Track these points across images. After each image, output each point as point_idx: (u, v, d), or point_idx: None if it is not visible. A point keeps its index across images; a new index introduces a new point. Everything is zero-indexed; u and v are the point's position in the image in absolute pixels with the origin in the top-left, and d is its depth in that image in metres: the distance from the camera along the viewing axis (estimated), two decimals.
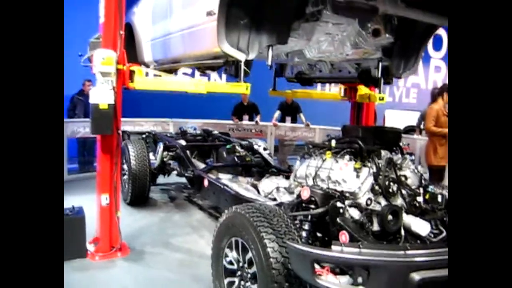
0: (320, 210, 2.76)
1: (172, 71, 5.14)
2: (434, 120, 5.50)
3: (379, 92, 5.32)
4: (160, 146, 6.02)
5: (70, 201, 4.23)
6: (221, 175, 4.96)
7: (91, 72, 3.88)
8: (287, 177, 4.20)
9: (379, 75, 4.35)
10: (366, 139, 3.21)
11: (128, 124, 7.90)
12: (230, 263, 2.94)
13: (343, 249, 2.38)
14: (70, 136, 7.67)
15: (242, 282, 2.83)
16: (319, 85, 9.73)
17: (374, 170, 3.04)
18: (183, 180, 6.18)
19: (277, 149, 9.28)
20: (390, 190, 3.03)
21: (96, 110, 3.71)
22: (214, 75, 9.60)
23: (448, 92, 5.38)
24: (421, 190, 3.15)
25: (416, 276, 2.22)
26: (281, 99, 8.62)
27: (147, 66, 4.98)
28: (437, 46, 14.78)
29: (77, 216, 4.03)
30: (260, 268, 2.57)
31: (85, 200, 4.48)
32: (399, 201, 3.05)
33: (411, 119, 10.55)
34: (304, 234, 2.70)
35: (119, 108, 3.90)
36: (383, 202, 2.96)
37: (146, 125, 8.60)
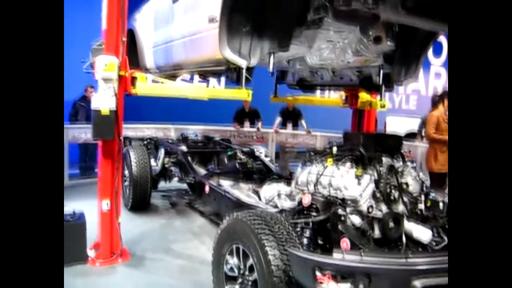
0: (321, 216, 2.76)
1: (174, 77, 5.16)
2: (434, 127, 5.50)
3: (381, 99, 5.33)
4: (161, 152, 6.03)
5: (71, 206, 4.22)
6: (222, 181, 4.96)
7: (94, 78, 3.89)
8: (288, 183, 4.20)
9: (381, 82, 4.36)
10: (368, 146, 3.21)
11: (130, 130, 7.91)
12: (231, 269, 2.93)
13: (344, 256, 2.38)
14: (71, 141, 7.69)
15: None
16: (318, 91, 9.73)
17: (376, 176, 3.03)
18: (184, 186, 6.18)
19: (278, 155, 9.27)
20: (392, 197, 3.02)
21: (98, 115, 3.72)
22: (212, 80, 9.60)
23: (448, 98, 5.39)
24: (423, 197, 3.14)
25: (417, 283, 2.21)
26: (282, 105, 8.63)
27: (149, 72, 4.99)
28: (437, 53, 14.80)
29: (78, 222, 4.03)
30: (261, 275, 2.56)
31: (86, 206, 4.48)
32: (400, 208, 3.04)
33: (412, 125, 10.55)
34: (305, 240, 2.70)
35: (120, 114, 3.91)
36: (385, 209, 2.96)
37: (148, 130, 8.61)
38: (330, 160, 3.20)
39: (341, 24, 3.37)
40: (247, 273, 2.76)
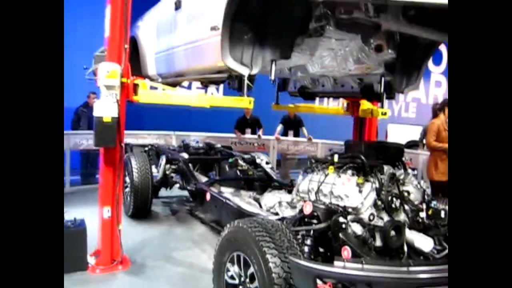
0: (322, 225, 2.75)
1: (176, 84, 5.18)
2: (435, 135, 5.50)
3: (382, 107, 5.34)
4: (163, 159, 6.04)
5: (72, 213, 4.22)
6: (223, 189, 4.96)
7: (96, 85, 3.90)
8: (289, 191, 4.20)
9: (382, 91, 4.37)
10: (369, 154, 3.21)
11: (131, 137, 7.92)
12: (232, 277, 2.92)
13: (345, 265, 2.36)
14: (73, 148, 7.69)
15: None
16: (317, 99, 9.76)
17: (377, 185, 3.03)
18: (185, 193, 6.17)
19: (280, 163, 9.28)
20: (393, 205, 3.01)
21: (100, 123, 3.73)
22: (210, 88, 9.65)
23: (448, 107, 5.39)
24: (424, 206, 3.14)
25: None
26: (283, 113, 8.64)
27: (151, 79, 5.01)
28: (437, 61, 14.82)
29: (79, 229, 4.02)
30: (262, 283, 2.55)
31: (87, 212, 4.48)
32: (402, 217, 3.04)
33: (414, 133, 10.55)
34: (306, 249, 2.69)
35: (122, 121, 3.92)
36: (386, 218, 2.95)
37: (149, 138, 8.62)
38: (331, 168, 3.20)
39: (342, 32, 3.39)
40: (248, 281, 2.75)
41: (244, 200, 4.36)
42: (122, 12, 3.78)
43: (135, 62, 5.06)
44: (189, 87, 9.50)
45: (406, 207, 3.09)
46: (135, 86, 3.93)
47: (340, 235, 2.65)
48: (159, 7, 5.17)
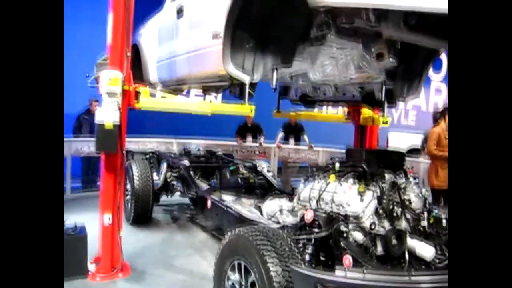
0: (323, 233, 2.74)
1: (178, 91, 5.19)
2: (435, 143, 5.50)
3: (383, 115, 5.34)
4: (164, 166, 6.04)
5: (72, 219, 4.21)
6: (224, 196, 4.95)
7: (98, 92, 3.92)
8: (291, 199, 4.19)
9: (383, 98, 4.37)
10: (370, 162, 3.21)
11: (132, 143, 7.93)
12: (232, 285, 2.91)
13: (347, 273, 2.36)
14: (74, 154, 7.70)
15: None
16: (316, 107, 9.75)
17: (378, 193, 3.03)
18: (186, 200, 6.17)
19: (281, 170, 9.27)
20: (394, 213, 3.01)
21: (102, 129, 3.74)
22: (209, 94, 9.66)
23: (448, 114, 5.39)
24: (426, 214, 3.13)
25: None
26: (285, 120, 8.65)
27: (153, 86, 5.03)
28: (437, 68, 14.81)
29: (79, 235, 4.01)
30: None
31: (87, 219, 4.46)
32: (403, 225, 3.03)
33: (415, 140, 10.53)
34: (307, 257, 2.68)
35: (124, 128, 3.92)
36: (387, 226, 2.94)
37: (150, 144, 8.63)
38: (332, 176, 3.20)
39: (343, 40, 3.40)
40: None
41: (245, 208, 4.35)
42: (124, 20, 3.80)
43: (137, 69, 5.08)
44: (187, 94, 9.50)
45: (408, 215, 3.08)
46: (137, 93, 3.94)
47: (342, 243, 2.64)
48: (161, 14, 5.20)
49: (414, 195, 3.27)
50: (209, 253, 4.85)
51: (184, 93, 9.25)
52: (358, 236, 2.77)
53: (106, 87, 3.74)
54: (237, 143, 9.08)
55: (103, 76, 3.75)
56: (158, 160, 6.46)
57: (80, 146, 7.75)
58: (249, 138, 9.18)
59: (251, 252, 2.65)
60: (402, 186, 3.25)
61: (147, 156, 6.56)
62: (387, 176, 3.18)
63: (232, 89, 3.94)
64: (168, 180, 5.96)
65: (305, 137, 8.99)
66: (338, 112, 6.24)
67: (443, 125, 5.55)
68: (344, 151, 3.77)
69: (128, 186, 5.76)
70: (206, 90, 4.98)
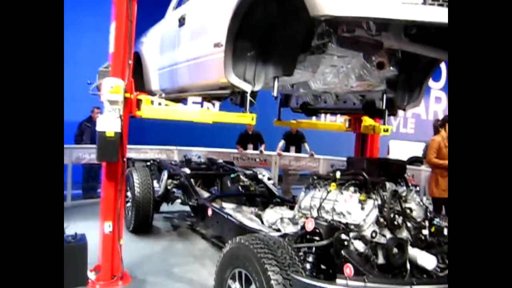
0: (324, 242, 2.74)
1: (179, 100, 5.21)
2: (435, 152, 5.49)
3: (384, 124, 5.34)
4: (164, 174, 6.03)
5: (73, 227, 4.21)
6: (225, 204, 4.94)
7: (100, 100, 3.93)
8: (291, 208, 4.18)
9: (384, 107, 4.38)
10: (371, 171, 3.21)
11: (133, 151, 7.94)
12: None
13: (348, 283, 2.35)
14: (75, 161, 7.70)
15: None
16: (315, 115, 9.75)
17: (379, 202, 3.02)
18: (187, 208, 6.15)
19: (281, 179, 9.26)
20: (395, 222, 3.00)
21: (103, 137, 3.74)
22: (206, 102, 9.67)
23: (448, 123, 5.39)
24: (427, 223, 3.12)
25: None
26: (285, 128, 8.66)
27: (154, 94, 5.05)
28: (437, 77, 14.84)
29: (79, 243, 3.99)
30: None
31: (88, 227, 4.45)
32: (404, 234, 3.02)
33: (416, 149, 10.53)
34: (308, 266, 2.67)
35: (125, 136, 3.93)
36: (388, 235, 2.93)
37: (151, 152, 8.64)
38: (333, 185, 3.20)
39: (344, 50, 3.42)
40: None
41: (245, 216, 4.34)
42: (127, 29, 3.83)
43: (138, 78, 5.10)
44: (184, 102, 9.51)
45: (409, 224, 3.07)
46: (139, 101, 3.96)
47: (342, 252, 2.63)
48: (163, 23, 5.24)
49: (415, 204, 3.26)
50: (209, 262, 4.84)
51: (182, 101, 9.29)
52: (359, 245, 2.76)
53: (107, 95, 3.75)
54: (238, 152, 9.08)
55: (105, 84, 3.77)
56: (158, 168, 6.47)
57: (81, 153, 7.75)
58: (250, 147, 9.19)
59: (252, 261, 2.64)
60: (403, 195, 3.25)
61: (148, 164, 6.56)
62: (388, 185, 3.18)
63: (233, 98, 3.95)
64: (169, 188, 5.95)
65: (306, 146, 8.99)
66: (337, 121, 6.24)
67: (444, 134, 5.55)
68: (345, 159, 3.77)
69: (129, 194, 5.76)
70: (207, 98, 5.00)
